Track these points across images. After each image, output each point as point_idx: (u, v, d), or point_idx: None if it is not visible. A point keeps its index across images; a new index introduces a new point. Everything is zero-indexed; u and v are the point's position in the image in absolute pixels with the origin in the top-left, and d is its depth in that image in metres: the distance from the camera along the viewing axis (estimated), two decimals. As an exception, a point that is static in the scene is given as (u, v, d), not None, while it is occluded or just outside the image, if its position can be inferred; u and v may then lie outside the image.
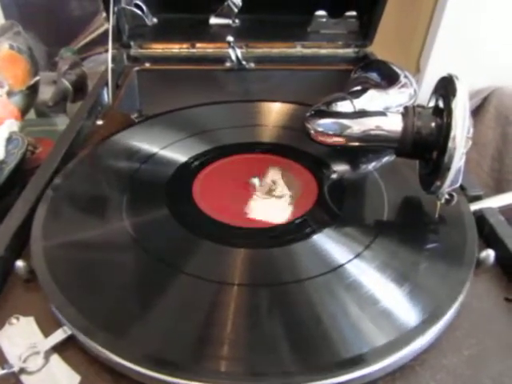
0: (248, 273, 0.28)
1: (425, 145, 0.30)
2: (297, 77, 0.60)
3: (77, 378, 0.24)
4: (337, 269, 0.28)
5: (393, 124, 0.31)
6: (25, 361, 0.24)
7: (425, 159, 0.32)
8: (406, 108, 0.31)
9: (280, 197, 0.35)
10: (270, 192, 0.35)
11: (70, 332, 0.25)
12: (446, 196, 0.31)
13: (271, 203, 0.34)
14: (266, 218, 0.32)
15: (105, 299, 0.26)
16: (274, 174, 0.37)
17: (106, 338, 0.24)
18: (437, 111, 0.30)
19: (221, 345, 0.24)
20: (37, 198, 0.34)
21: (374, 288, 0.27)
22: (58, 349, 0.25)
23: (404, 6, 0.78)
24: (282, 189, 0.35)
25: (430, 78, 0.31)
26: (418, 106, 0.31)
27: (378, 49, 0.62)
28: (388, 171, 0.37)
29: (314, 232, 0.31)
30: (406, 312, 0.25)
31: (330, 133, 0.33)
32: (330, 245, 0.30)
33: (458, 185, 0.30)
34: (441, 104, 0.30)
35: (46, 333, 0.25)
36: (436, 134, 0.29)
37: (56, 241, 0.30)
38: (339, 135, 0.32)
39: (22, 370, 0.23)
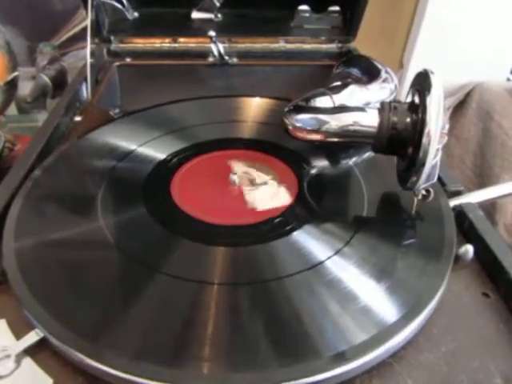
0: (227, 271, 0.28)
1: (400, 140, 0.30)
2: (280, 72, 0.59)
3: (49, 381, 0.23)
4: (317, 266, 0.28)
5: (370, 119, 0.31)
6: (-5, 365, 0.23)
7: (401, 155, 0.32)
8: (382, 103, 0.31)
9: (265, 183, 0.35)
10: (252, 182, 0.35)
11: (42, 335, 0.24)
12: (423, 192, 0.31)
13: (265, 191, 0.34)
14: (274, 205, 0.33)
15: (78, 301, 0.26)
16: (239, 167, 0.37)
17: (79, 341, 0.23)
18: (413, 107, 0.30)
19: (199, 346, 0.23)
20: (10, 196, 0.33)
21: (353, 285, 0.26)
22: (30, 351, 0.24)
23: (387, 1, 0.78)
24: (259, 176, 0.35)
25: (413, 74, 0.31)
26: (395, 101, 0.31)
27: (362, 45, 0.62)
28: (368, 167, 0.37)
29: (293, 229, 0.30)
30: (384, 308, 0.25)
31: (308, 128, 0.32)
32: (310, 241, 0.30)
33: (434, 181, 0.30)
34: (417, 99, 0.30)
35: (18, 335, 0.25)
36: (411, 130, 0.29)
37: (29, 241, 0.29)
38: (317, 131, 0.32)
39: (-8, 375, 0.23)
